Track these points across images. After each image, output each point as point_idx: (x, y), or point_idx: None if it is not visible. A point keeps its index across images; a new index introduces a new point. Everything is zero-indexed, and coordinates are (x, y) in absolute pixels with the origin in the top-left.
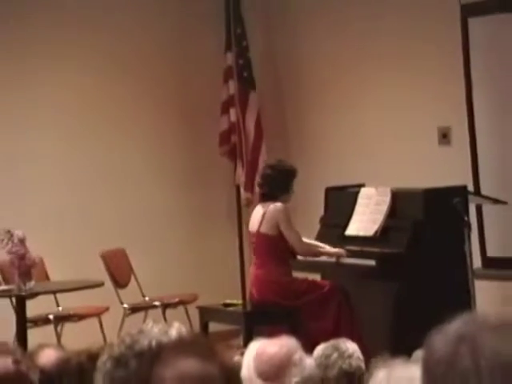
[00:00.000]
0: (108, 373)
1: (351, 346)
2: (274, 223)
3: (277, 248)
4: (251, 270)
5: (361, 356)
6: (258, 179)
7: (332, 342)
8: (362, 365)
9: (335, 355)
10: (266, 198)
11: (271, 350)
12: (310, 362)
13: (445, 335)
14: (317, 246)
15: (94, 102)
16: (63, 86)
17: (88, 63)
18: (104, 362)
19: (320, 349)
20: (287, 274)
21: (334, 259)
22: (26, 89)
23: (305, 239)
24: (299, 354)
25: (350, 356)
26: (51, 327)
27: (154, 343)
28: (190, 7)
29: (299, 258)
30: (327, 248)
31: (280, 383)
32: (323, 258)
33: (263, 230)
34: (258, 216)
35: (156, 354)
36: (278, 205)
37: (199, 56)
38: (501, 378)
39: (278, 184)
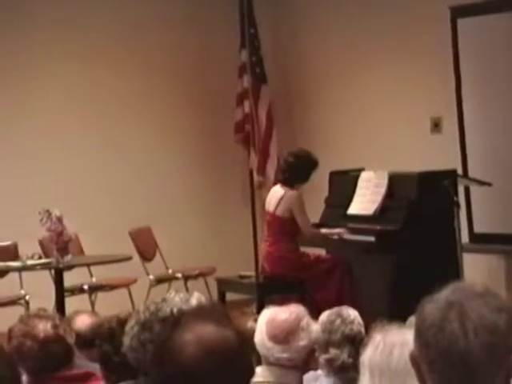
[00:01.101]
0: (135, 336)
1: (353, 313)
2: (288, 208)
3: (288, 228)
4: (263, 247)
5: (361, 322)
6: (281, 164)
7: (335, 310)
8: (362, 329)
9: (338, 321)
10: (285, 182)
11: (282, 316)
12: (316, 327)
13: (435, 302)
14: (320, 231)
15: (123, 92)
16: (95, 85)
17: (112, 56)
18: (131, 327)
19: (325, 315)
20: (296, 250)
21: (336, 237)
22: (62, 80)
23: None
24: (307, 319)
25: (352, 322)
26: (86, 296)
27: (175, 310)
28: (208, 10)
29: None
30: (328, 230)
31: (289, 346)
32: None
33: (278, 212)
34: (276, 198)
35: (177, 320)
36: (294, 193)
37: (217, 54)
38: (485, 337)
39: (300, 172)
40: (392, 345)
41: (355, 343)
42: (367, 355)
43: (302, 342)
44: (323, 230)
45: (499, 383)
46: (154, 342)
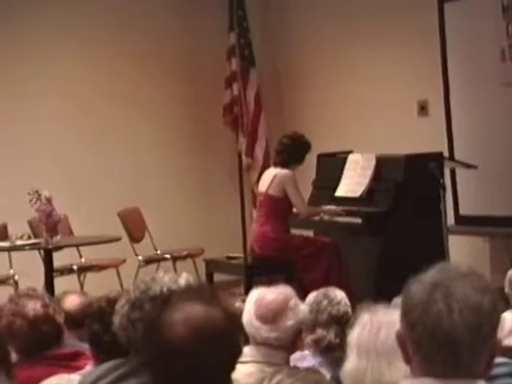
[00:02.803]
0: (125, 314)
1: (339, 294)
2: (281, 187)
3: (280, 208)
4: (254, 227)
5: (348, 302)
6: (276, 146)
7: (323, 290)
8: (349, 310)
9: (325, 302)
10: (280, 163)
11: (270, 296)
12: (303, 307)
13: (421, 283)
14: (317, 208)
15: (112, 74)
16: (85, 66)
17: (100, 40)
18: (122, 306)
19: (312, 296)
20: (286, 231)
21: (330, 217)
22: (52, 60)
23: None
24: (294, 300)
25: (338, 302)
26: (75, 276)
27: (165, 289)
28: None
29: (297, 215)
30: (325, 207)
31: (277, 325)
32: (316, 217)
33: (271, 191)
34: (269, 178)
35: (166, 300)
36: (287, 171)
37: (206, 36)
38: (469, 317)
39: (294, 154)
40: (379, 324)
41: (342, 323)
42: (354, 335)
43: (290, 321)
44: (319, 208)
45: (483, 362)
46: (144, 320)
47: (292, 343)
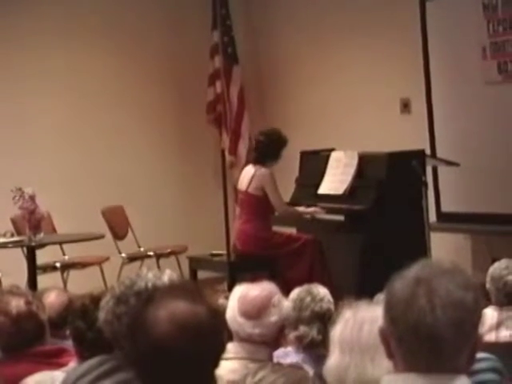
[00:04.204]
0: (110, 309)
1: (322, 291)
2: (260, 186)
3: (261, 206)
4: (236, 225)
5: (331, 299)
6: (253, 143)
7: (306, 287)
8: (332, 307)
9: (308, 299)
10: (256, 161)
11: (253, 293)
12: (286, 303)
13: (404, 279)
14: (295, 209)
15: (97, 75)
16: (69, 65)
17: (86, 39)
18: (107, 301)
19: (295, 293)
20: (268, 228)
21: (309, 216)
22: (37, 60)
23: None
24: (278, 296)
25: (321, 299)
26: (58, 274)
27: (150, 284)
28: None
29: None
30: (303, 209)
31: (261, 321)
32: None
33: (251, 190)
34: (248, 176)
35: (150, 295)
36: (265, 170)
37: (189, 34)
38: (452, 313)
39: (270, 150)
40: (362, 321)
41: (324, 320)
42: (337, 331)
43: (273, 317)
44: (298, 208)
45: (465, 358)
46: (129, 314)
47: (275, 339)
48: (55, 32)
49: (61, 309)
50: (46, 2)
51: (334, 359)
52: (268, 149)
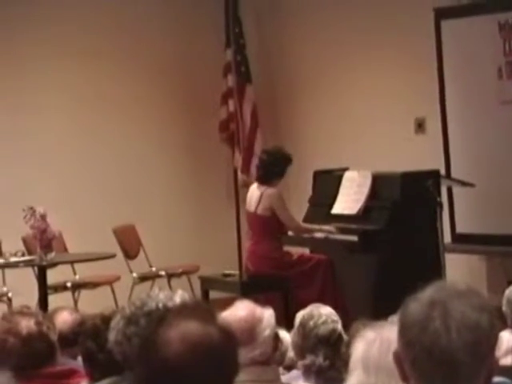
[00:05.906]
0: (121, 330)
1: (324, 312)
2: (269, 207)
3: (271, 227)
4: (247, 246)
5: (335, 317)
6: (257, 163)
7: (308, 310)
8: (337, 326)
9: (311, 323)
10: (262, 180)
11: (235, 319)
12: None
13: (419, 301)
14: (307, 226)
15: (109, 91)
16: (80, 76)
17: (98, 54)
18: (117, 322)
19: (298, 318)
20: (279, 248)
21: (323, 235)
22: (40, 73)
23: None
24: (257, 309)
25: (324, 322)
26: (69, 294)
27: (160, 305)
28: (193, 9)
29: (291, 233)
30: (317, 226)
31: (256, 342)
32: (313, 235)
33: (259, 211)
34: (255, 197)
35: (162, 316)
36: (272, 190)
37: (202, 52)
38: (467, 335)
39: (274, 169)
40: (389, 341)
41: (330, 343)
42: (359, 351)
43: (266, 332)
44: (311, 226)
45: (481, 381)
46: (139, 335)
47: (274, 349)
48: (66, 45)
49: (74, 325)
50: (50, 13)
51: (356, 379)
52: (272, 167)
